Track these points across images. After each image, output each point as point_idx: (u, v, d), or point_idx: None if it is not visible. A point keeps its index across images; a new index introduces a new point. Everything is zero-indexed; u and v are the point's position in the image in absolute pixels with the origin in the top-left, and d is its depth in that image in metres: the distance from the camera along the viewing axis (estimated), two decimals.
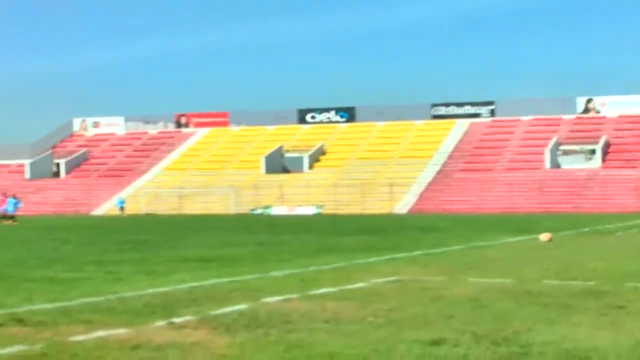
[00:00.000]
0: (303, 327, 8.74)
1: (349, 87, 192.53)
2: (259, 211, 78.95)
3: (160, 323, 9.01)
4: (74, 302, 10.76)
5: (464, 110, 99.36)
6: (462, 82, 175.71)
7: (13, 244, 25.21)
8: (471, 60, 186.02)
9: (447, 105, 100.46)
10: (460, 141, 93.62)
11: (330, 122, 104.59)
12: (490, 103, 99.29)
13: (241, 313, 9.71)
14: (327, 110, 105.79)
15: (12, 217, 50.49)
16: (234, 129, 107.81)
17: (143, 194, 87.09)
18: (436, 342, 7.85)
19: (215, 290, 12.19)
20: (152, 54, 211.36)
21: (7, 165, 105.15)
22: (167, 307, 10.26)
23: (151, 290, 12.06)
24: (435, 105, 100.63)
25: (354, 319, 9.37)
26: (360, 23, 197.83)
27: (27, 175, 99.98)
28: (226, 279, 13.70)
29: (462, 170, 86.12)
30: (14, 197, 53.99)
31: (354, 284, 13.02)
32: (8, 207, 52.07)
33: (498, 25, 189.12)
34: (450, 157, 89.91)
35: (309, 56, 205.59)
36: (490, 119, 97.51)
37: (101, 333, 8.36)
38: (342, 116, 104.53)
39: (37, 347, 7.66)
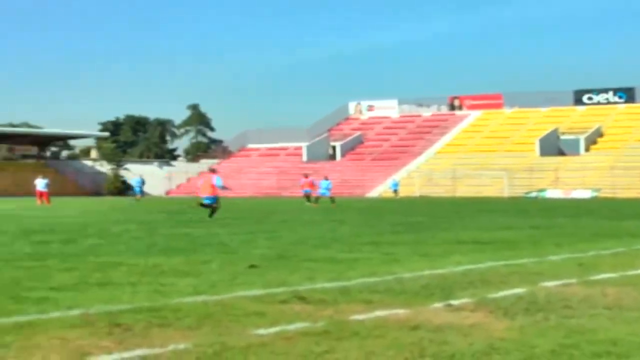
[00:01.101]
0: (583, 313, 8.50)
1: (628, 66, 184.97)
2: (533, 194, 77.54)
3: (438, 305, 9.05)
4: (353, 282, 11.01)
5: None
6: None
7: (296, 225, 26.19)
8: None
9: None
10: None
11: (608, 103, 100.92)
12: None
13: (519, 297, 9.57)
14: (605, 90, 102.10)
15: (331, 199, 49.87)
16: (507, 111, 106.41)
17: (416, 177, 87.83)
18: None
19: (491, 273, 12.09)
20: (425, 36, 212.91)
21: (286, 148, 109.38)
22: (444, 289, 10.29)
23: (427, 272, 12.14)
24: None
25: (637, 305, 9.00)
26: None
27: (304, 157, 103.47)
28: (502, 262, 13.54)
29: None
30: (327, 179, 53.67)
31: (636, 269, 12.51)
32: (321, 190, 51.52)
33: None
34: None
35: (584, 35, 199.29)
36: None
37: (380, 313, 8.51)
38: (620, 97, 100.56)
39: (319, 324, 7.90)
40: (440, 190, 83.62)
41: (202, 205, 30.45)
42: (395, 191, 78.62)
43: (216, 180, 30.24)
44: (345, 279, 11.37)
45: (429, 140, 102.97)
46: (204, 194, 30.36)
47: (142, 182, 64.71)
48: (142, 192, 63.81)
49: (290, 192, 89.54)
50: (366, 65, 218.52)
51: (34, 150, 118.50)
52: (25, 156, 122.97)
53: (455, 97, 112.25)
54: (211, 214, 29.78)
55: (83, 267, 12.85)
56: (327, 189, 51.94)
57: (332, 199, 49.99)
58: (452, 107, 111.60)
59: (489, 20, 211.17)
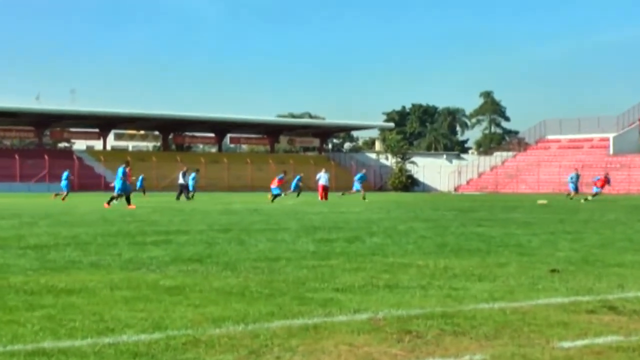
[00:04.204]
0: None
1: None
2: None
3: None
4: None
5: None
6: None
7: (601, 225, 25.47)
8: None
9: None
10: None
11: None
12: None
13: None
14: None
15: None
16: None
17: None
18: None
19: None
20: None
21: (590, 140, 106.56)
22: None
23: None
24: None
25: None
26: None
27: (611, 150, 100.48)
28: None
29: None
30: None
31: None
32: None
33: None
34: None
35: None
36: None
37: None
38: None
39: (634, 338, 7.67)
40: None
41: None
42: None
43: None
44: None
45: None
46: None
47: (577, 177, 61.03)
48: (577, 189, 59.68)
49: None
50: None
51: (315, 142, 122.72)
52: (306, 149, 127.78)
53: None
54: None
55: (369, 267, 13.15)
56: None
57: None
58: None
59: None
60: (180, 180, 55.21)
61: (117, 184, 40.47)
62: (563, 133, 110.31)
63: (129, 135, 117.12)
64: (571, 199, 54.89)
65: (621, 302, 9.69)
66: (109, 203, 39.19)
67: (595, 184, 55.75)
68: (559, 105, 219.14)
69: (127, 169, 42.50)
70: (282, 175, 54.10)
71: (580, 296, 10.14)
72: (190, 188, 60.33)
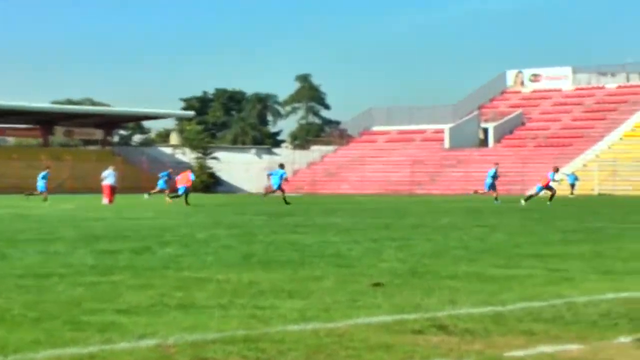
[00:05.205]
0: None
1: None
2: None
3: (624, 339, 8.91)
4: (509, 307, 10.92)
5: None
6: None
7: (434, 231, 26.06)
8: None
9: None
10: None
11: None
12: None
13: None
14: None
15: None
16: None
17: (595, 169, 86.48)
18: None
19: None
20: None
21: (422, 132, 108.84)
22: (633, 318, 10.11)
23: (610, 296, 11.95)
24: None
25: None
26: None
27: (447, 143, 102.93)
28: None
29: None
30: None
31: None
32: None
33: None
34: None
35: None
36: None
37: (546, 348, 8.43)
38: None
39: None
40: (627, 186, 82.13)
41: None
42: (573, 186, 77.48)
43: None
44: (498, 302, 11.29)
45: (614, 121, 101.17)
46: None
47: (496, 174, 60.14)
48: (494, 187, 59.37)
49: (427, 189, 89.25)
50: (529, 24, 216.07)
51: (98, 134, 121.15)
52: (87, 142, 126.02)
53: None
54: None
55: (159, 283, 13.09)
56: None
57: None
58: None
59: None
60: None
61: None
62: (392, 124, 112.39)
63: None
64: (496, 199, 56.04)
65: (452, 320, 9.92)
66: None
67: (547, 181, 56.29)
68: (387, 93, 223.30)
69: None
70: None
71: (406, 314, 10.33)
72: (41, 189, 58.83)
